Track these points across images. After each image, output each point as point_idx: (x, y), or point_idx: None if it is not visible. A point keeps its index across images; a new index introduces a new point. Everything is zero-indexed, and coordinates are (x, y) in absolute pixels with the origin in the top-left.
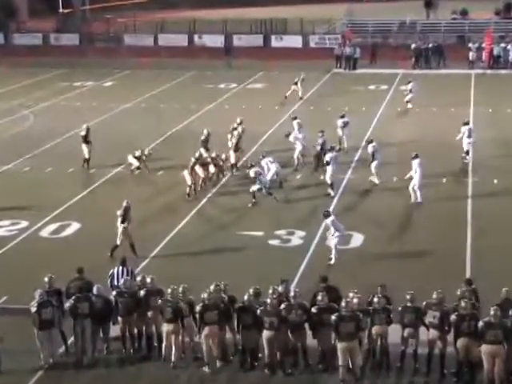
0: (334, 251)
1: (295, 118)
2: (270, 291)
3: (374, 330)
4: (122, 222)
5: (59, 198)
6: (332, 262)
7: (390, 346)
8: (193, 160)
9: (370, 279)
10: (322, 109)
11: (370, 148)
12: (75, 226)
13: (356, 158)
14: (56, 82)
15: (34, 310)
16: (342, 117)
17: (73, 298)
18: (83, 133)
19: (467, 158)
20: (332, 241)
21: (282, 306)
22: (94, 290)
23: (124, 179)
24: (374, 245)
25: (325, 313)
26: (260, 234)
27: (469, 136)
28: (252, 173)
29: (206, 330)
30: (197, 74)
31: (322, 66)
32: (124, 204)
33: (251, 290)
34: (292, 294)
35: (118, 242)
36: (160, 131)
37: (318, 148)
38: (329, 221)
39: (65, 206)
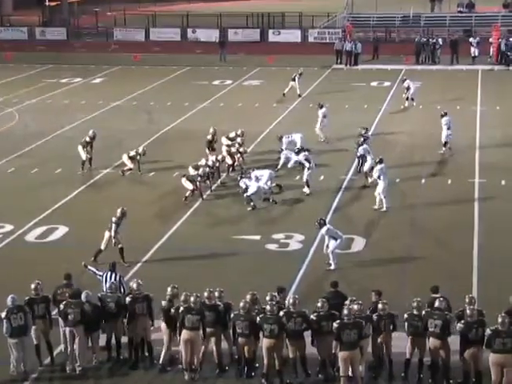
0: (331, 257)
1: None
2: (268, 297)
3: (380, 337)
4: (116, 229)
5: (46, 200)
6: (332, 267)
7: (394, 354)
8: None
9: (373, 284)
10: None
11: (361, 150)
12: (63, 230)
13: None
14: (42, 79)
15: (3, 315)
16: (321, 107)
17: (63, 303)
18: (88, 139)
19: (443, 149)
20: (329, 248)
21: (281, 313)
22: (83, 297)
23: (114, 180)
24: (376, 249)
25: (324, 320)
26: (257, 238)
27: (448, 128)
28: (242, 184)
29: (184, 335)
30: (190, 70)
31: (321, 61)
32: (119, 210)
33: (248, 297)
34: (291, 301)
35: (103, 247)
36: (151, 130)
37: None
38: (323, 231)
39: (52, 209)
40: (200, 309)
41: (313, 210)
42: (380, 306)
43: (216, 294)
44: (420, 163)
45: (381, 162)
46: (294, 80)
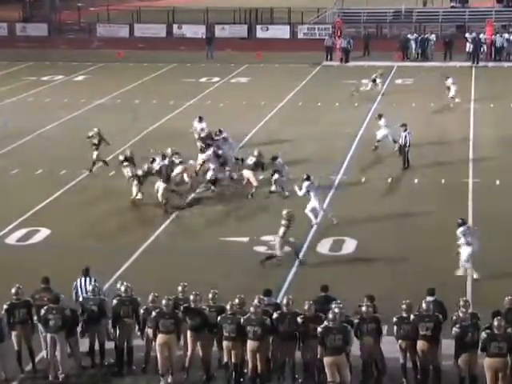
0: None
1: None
2: (256, 301)
3: (365, 341)
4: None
5: (27, 201)
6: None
7: (388, 359)
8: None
9: (365, 288)
10: (312, 105)
11: (278, 164)
12: (44, 232)
13: (348, 158)
14: (22, 76)
15: None
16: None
17: (44, 308)
18: (96, 141)
19: (396, 146)
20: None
21: (275, 315)
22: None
23: (97, 181)
24: (368, 251)
25: (310, 323)
26: (245, 240)
27: (386, 127)
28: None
29: (159, 339)
30: (176, 67)
31: (311, 58)
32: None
33: (236, 300)
34: (285, 301)
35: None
36: (136, 129)
37: (402, 142)
38: (306, 184)
39: (33, 211)
40: (172, 312)
41: (302, 212)
42: (363, 308)
43: (210, 295)
44: (412, 163)
45: (308, 178)
46: (374, 81)
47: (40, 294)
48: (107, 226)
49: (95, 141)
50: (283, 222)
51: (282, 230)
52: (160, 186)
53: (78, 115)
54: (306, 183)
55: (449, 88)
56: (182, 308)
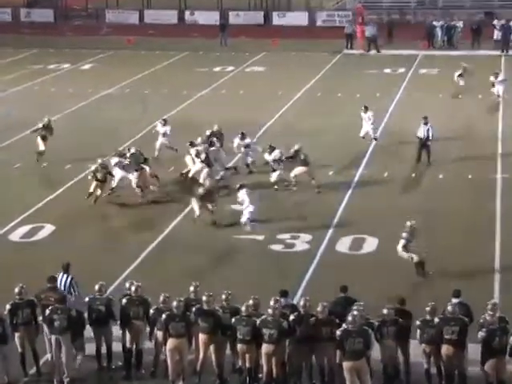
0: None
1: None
2: (272, 302)
3: (385, 344)
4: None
5: (30, 196)
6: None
7: (411, 364)
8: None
9: (387, 289)
10: (331, 95)
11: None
12: (49, 229)
13: (370, 151)
14: (27, 65)
15: None
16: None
17: (49, 308)
18: (40, 125)
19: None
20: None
21: (292, 317)
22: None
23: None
24: (389, 250)
25: (322, 326)
26: (260, 238)
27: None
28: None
29: (169, 344)
30: (188, 56)
31: (330, 46)
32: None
33: (250, 301)
34: (302, 303)
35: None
36: (146, 121)
37: (422, 135)
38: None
39: (37, 206)
40: (183, 315)
41: (320, 209)
42: (385, 310)
43: (223, 296)
44: (438, 157)
45: (242, 187)
46: (461, 76)
47: (46, 294)
48: (115, 222)
49: (44, 132)
50: (404, 234)
51: (401, 243)
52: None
53: (84, 106)
54: (242, 191)
55: (493, 84)
56: (193, 309)
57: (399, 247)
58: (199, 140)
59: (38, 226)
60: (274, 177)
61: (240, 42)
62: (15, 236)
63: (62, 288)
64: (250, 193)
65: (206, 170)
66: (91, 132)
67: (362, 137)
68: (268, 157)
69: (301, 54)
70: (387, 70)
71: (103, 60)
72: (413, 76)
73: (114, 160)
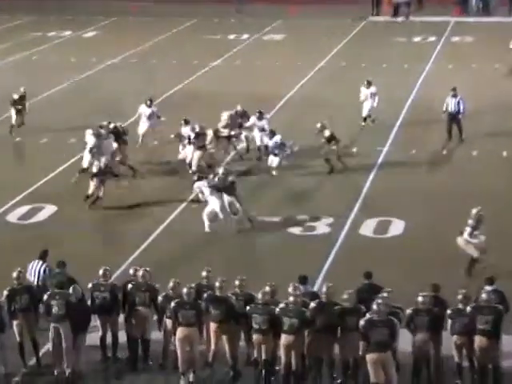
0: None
1: None
2: (291, 289)
3: (417, 337)
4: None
5: (30, 174)
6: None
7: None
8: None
9: (413, 275)
10: (356, 65)
11: (275, 141)
12: (50, 209)
13: (397, 126)
14: (26, 32)
15: None
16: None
17: (47, 293)
18: (16, 96)
19: (363, 123)
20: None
21: (312, 304)
22: (70, 289)
23: None
24: (417, 234)
25: (347, 315)
26: (277, 219)
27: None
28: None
29: (179, 333)
30: (200, 23)
31: (354, 12)
32: None
33: (267, 288)
34: (324, 289)
35: None
36: (153, 93)
37: (452, 109)
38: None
39: (37, 185)
40: (194, 302)
41: (342, 189)
42: (420, 298)
43: (236, 282)
44: (470, 133)
45: (200, 179)
46: None
47: (54, 280)
48: (120, 203)
49: (19, 106)
50: (470, 221)
51: (467, 231)
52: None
53: (87, 76)
54: (198, 184)
55: None
56: (205, 296)
57: (465, 235)
58: (222, 123)
59: (38, 206)
60: (274, 162)
61: (256, 8)
62: (13, 217)
63: (33, 276)
64: (212, 186)
65: (198, 152)
66: (95, 104)
67: (365, 118)
68: (268, 141)
69: (322, 20)
70: (416, 39)
71: (107, 27)
72: (444, 45)
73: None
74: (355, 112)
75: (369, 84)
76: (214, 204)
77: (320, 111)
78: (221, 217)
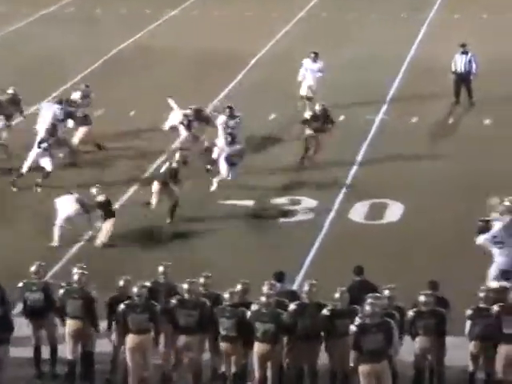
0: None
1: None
2: (266, 288)
3: (419, 342)
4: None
5: None
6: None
7: (450, 368)
8: None
9: (413, 270)
10: (340, 16)
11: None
12: None
13: (392, 90)
14: None
15: None
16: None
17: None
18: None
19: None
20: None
21: (292, 306)
22: None
23: None
24: (418, 219)
25: (338, 318)
26: (250, 203)
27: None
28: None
29: (130, 341)
30: None
31: None
32: None
33: (238, 286)
34: (306, 288)
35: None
36: (98, 50)
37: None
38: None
39: None
40: (147, 304)
41: (327, 166)
42: (422, 298)
43: (201, 280)
44: (482, 97)
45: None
46: None
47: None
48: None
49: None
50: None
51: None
52: None
53: (16, 30)
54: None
55: None
56: (174, 301)
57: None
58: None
59: None
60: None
61: None
62: None
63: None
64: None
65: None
66: (30, 64)
67: (306, 98)
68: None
69: None
70: None
71: None
72: None
73: None
74: (341, 73)
75: (316, 56)
76: None
77: (297, 73)
78: None
